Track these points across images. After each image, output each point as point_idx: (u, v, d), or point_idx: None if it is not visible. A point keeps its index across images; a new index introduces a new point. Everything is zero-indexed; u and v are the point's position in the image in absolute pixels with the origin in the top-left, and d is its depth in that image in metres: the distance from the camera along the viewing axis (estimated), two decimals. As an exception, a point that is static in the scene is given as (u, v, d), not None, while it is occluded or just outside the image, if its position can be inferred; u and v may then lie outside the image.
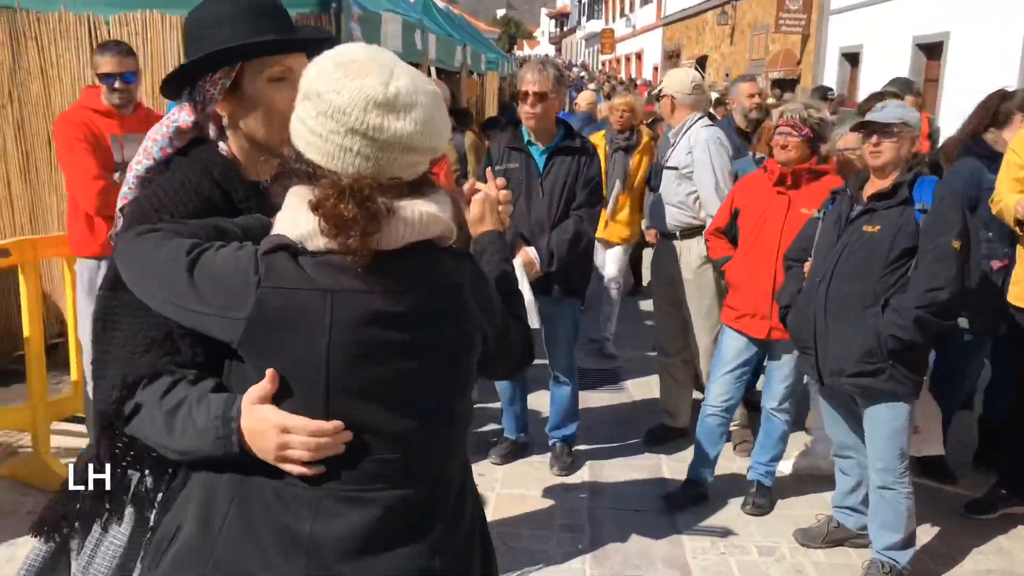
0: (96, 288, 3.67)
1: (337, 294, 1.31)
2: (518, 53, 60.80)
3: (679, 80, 4.56)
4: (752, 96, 5.59)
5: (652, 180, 4.99)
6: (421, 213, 1.34)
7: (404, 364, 1.36)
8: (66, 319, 4.93)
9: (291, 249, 1.33)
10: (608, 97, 12.06)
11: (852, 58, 18.80)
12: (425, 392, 1.40)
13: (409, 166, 1.35)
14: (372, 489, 1.37)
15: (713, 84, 11.50)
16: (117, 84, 3.63)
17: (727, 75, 26.96)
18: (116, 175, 3.66)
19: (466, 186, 1.81)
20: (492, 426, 4.74)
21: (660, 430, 4.73)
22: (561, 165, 3.93)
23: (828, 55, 19.79)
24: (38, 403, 3.90)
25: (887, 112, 3.21)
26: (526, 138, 4.01)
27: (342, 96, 1.28)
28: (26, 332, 3.88)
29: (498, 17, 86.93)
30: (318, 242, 1.32)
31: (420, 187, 1.38)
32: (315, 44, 1.58)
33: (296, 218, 1.33)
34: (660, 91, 4.68)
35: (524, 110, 3.91)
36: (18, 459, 4.13)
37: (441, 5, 16.61)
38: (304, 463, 1.33)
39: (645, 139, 5.91)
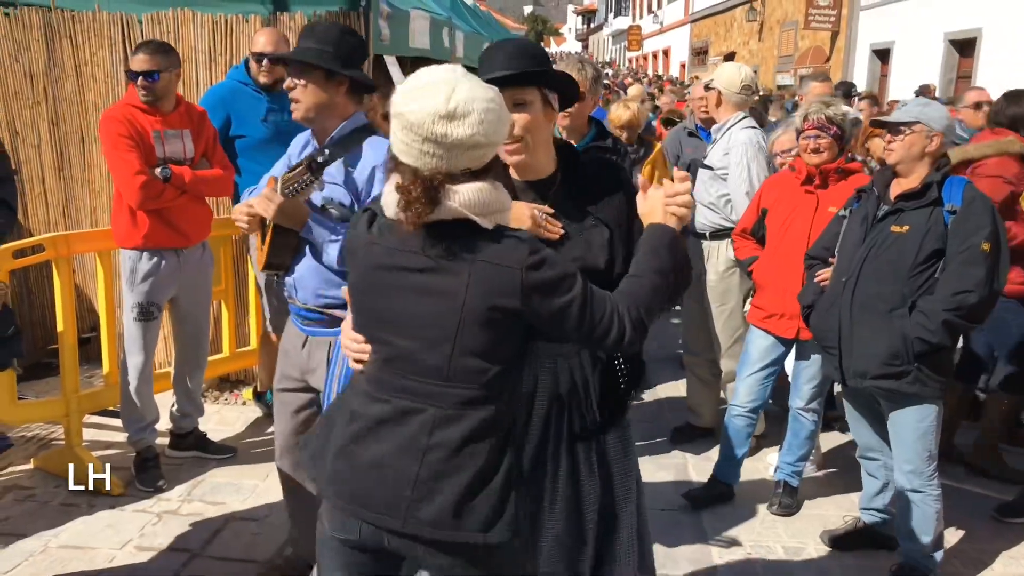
0: (138, 278, 3.80)
1: (373, 245, 1.82)
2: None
3: (730, 76, 4.45)
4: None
5: None
6: (463, 200, 1.71)
7: (405, 304, 1.78)
8: (98, 313, 5.03)
9: (374, 212, 1.87)
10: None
11: (883, 54, 18.60)
12: (425, 331, 1.77)
13: (475, 159, 1.73)
14: (389, 392, 1.83)
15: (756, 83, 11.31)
16: (140, 81, 3.69)
17: (755, 72, 26.78)
18: (157, 170, 3.72)
19: (640, 180, 1.97)
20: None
21: (686, 429, 4.71)
22: (590, 163, 3.92)
23: (859, 51, 19.59)
24: (71, 396, 3.96)
25: (901, 111, 3.23)
26: (557, 134, 4.01)
27: (415, 114, 1.68)
28: (59, 326, 3.95)
29: (526, 14, 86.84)
30: (389, 211, 1.79)
31: (484, 173, 1.75)
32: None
33: (388, 192, 1.79)
34: (711, 81, 4.60)
35: None
36: (51, 451, 4.20)
37: (469, 2, 16.63)
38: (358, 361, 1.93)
39: (657, 148, 5.45)
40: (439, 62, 7.75)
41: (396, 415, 1.81)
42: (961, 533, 3.77)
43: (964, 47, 15.38)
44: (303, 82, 2.64)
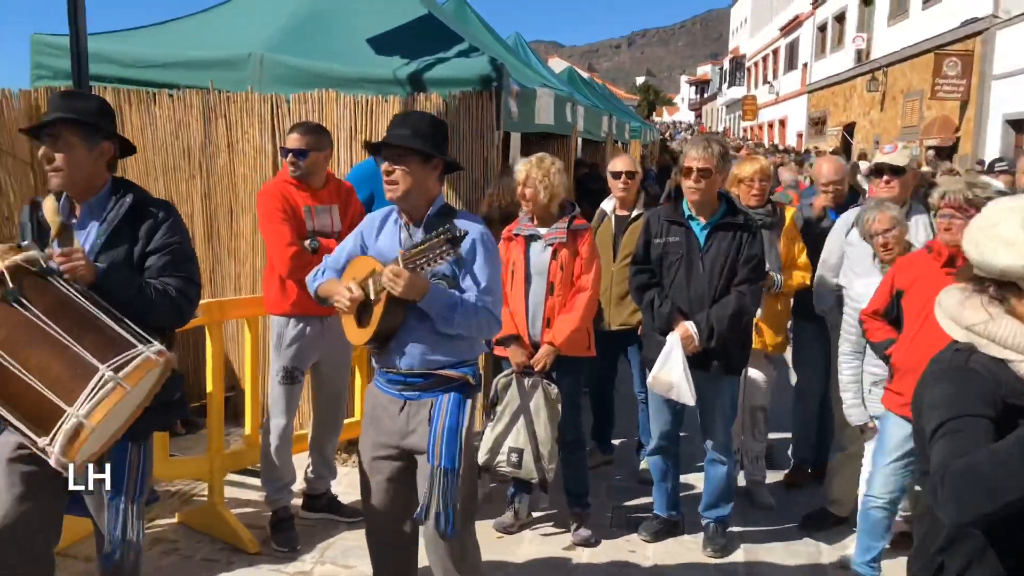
0: (284, 343, 4.00)
1: None
2: (657, 120, 61.08)
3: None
4: None
5: None
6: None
7: None
8: (238, 375, 5.27)
9: None
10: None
11: (1017, 125, 17.86)
12: None
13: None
14: None
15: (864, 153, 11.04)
16: (289, 158, 3.97)
17: (876, 142, 26.13)
18: (306, 242, 3.95)
19: None
20: (642, 500, 4.69)
21: (819, 515, 4.52)
22: (723, 240, 3.93)
23: (990, 122, 18.86)
24: (215, 455, 4.15)
25: None
26: (687, 212, 4.03)
27: None
28: (209, 387, 4.17)
29: (638, 84, 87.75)
30: None
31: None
32: None
33: None
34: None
35: (688, 185, 3.95)
36: (193, 507, 4.40)
37: (585, 76, 16.98)
38: None
39: (789, 217, 4.81)
40: (562, 137, 7.90)
41: None
42: None
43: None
44: (404, 166, 2.83)
